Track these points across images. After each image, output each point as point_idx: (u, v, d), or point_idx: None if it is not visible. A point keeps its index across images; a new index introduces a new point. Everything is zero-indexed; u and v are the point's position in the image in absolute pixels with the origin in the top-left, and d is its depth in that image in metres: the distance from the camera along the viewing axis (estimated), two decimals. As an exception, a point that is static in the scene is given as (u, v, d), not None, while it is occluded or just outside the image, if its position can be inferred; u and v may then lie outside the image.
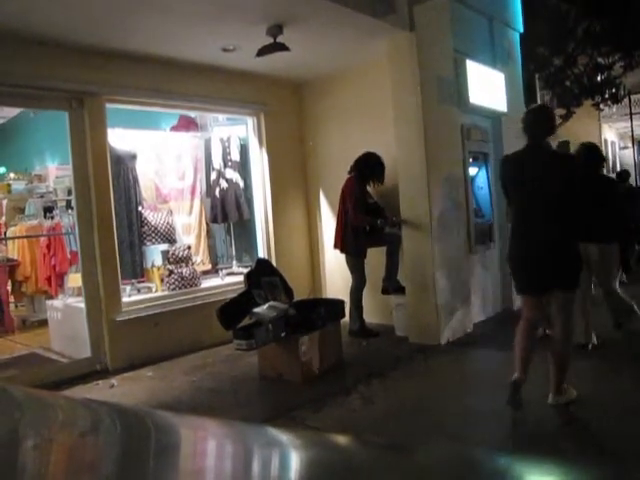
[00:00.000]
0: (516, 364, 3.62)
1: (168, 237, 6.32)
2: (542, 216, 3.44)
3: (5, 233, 7.33)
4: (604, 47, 14.10)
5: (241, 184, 6.85)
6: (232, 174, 6.80)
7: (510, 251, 3.71)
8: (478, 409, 3.86)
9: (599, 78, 15.17)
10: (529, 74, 12.88)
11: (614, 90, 15.68)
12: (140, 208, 6.09)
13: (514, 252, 3.66)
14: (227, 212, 6.76)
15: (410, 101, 5.45)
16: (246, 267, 6.39)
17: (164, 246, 6.41)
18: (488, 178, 6.60)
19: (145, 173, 6.34)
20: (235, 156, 6.83)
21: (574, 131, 21.26)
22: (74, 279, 6.08)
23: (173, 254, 6.21)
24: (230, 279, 6.60)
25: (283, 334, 4.53)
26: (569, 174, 3.47)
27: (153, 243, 6.24)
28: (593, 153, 4.85)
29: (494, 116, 6.67)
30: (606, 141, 24.85)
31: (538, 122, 3.54)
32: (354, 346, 5.53)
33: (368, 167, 5.77)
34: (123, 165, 5.89)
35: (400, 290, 5.76)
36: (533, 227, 3.49)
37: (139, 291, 5.97)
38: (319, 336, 4.74)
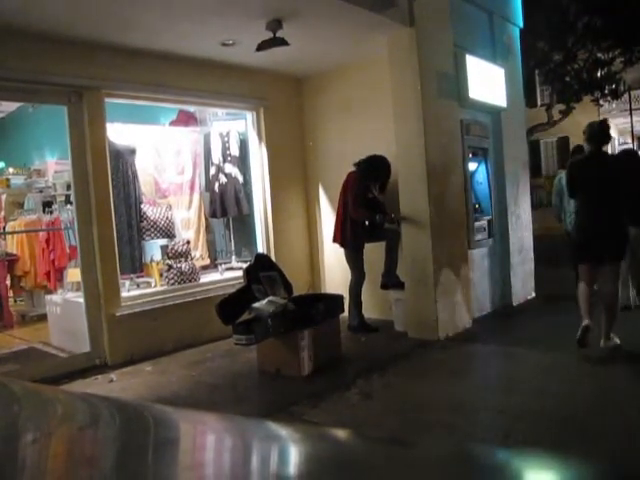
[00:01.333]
0: (583, 314, 4.62)
1: (167, 232, 6.32)
2: (602, 204, 4.48)
3: (4, 228, 7.33)
4: (604, 42, 14.06)
5: (240, 179, 6.84)
6: (231, 169, 6.79)
7: (577, 231, 4.79)
8: (477, 404, 3.87)
9: (599, 74, 15.14)
10: (529, 69, 12.86)
11: (614, 86, 15.65)
12: (139, 203, 6.09)
13: (580, 231, 4.72)
14: (226, 207, 6.75)
15: (410, 96, 5.44)
16: (245, 262, 6.39)
17: (163, 241, 6.41)
18: (487, 173, 6.59)
19: (144, 168, 6.33)
20: (234, 151, 6.82)
21: (574, 127, 21.27)
22: (73, 274, 6.08)
23: (172, 249, 6.21)
24: (229, 274, 6.60)
25: (282, 329, 4.53)
26: (620, 173, 4.57)
27: (152, 238, 6.23)
28: (634, 156, 6.08)
29: (494, 111, 6.66)
30: (605, 137, 24.78)
31: (598, 134, 4.62)
32: (353, 341, 5.54)
33: (374, 169, 5.72)
34: (122, 160, 5.88)
35: (399, 285, 5.76)
36: (595, 212, 4.51)
37: (138, 286, 5.97)
38: (318, 331, 4.74)
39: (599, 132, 4.62)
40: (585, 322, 4.57)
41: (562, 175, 6.33)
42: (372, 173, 5.72)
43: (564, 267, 8.88)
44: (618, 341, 4.62)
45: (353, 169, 5.83)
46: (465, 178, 6.09)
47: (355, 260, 5.83)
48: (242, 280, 5.24)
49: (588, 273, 4.69)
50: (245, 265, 5.72)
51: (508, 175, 6.81)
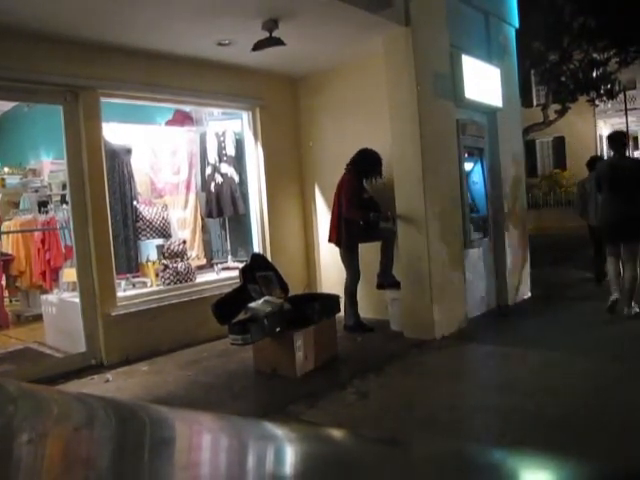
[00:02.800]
0: (612, 287, 5.87)
1: (163, 232, 6.31)
2: (622, 197, 5.62)
3: (-1, 228, 7.30)
4: (599, 43, 14.12)
5: (236, 179, 6.83)
6: (227, 169, 6.78)
7: (602, 219, 5.98)
8: (473, 404, 3.88)
9: (594, 74, 15.20)
10: (525, 69, 12.90)
11: (609, 86, 15.72)
12: (135, 203, 6.08)
13: (605, 219, 5.89)
14: (222, 207, 6.75)
15: (406, 96, 5.44)
16: (241, 262, 6.39)
17: (159, 241, 6.39)
18: (483, 173, 6.61)
19: (140, 168, 6.33)
20: (230, 151, 6.81)
21: (569, 127, 21.33)
22: (69, 274, 6.07)
23: (168, 249, 6.20)
24: (225, 274, 6.59)
25: (278, 329, 4.53)
26: (635, 173, 5.67)
27: (148, 238, 6.22)
28: None
29: (490, 111, 6.68)
30: (601, 137, 24.89)
31: (621, 141, 6.01)
32: (349, 341, 5.54)
33: (366, 164, 5.75)
34: (118, 159, 5.87)
35: (395, 285, 5.76)
36: (616, 204, 5.67)
37: (134, 286, 5.95)
38: (314, 331, 4.75)
39: (618, 141, 5.99)
40: (614, 296, 5.79)
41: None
42: (367, 167, 5.74)
43: (560, 267, 8.91)
44: (638, 309, 5.68)
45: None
46: (461, 178, 6.10)
47: (350, 260, 5.83)
48: (238, 280, 5.23)
49: (613, 251, 5.93)
50: (241, 265, 5.72)
51: (504, 175, 6.82)
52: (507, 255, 6.79)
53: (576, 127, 22.27)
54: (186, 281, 6.11)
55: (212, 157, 6.78)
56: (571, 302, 6.67)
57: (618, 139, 6.02)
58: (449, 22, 5.86)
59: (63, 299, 5.93)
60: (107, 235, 5.32)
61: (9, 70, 4.59)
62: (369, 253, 5.90)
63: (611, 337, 5.10)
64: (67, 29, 4.71)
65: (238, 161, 6.87)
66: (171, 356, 5.41)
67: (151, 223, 6.17)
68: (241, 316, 4.72)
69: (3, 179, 8.16)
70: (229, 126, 6.92)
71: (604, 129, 25.58)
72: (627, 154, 6.10)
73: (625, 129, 23.29)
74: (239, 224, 7.16)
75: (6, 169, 8.35)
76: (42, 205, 7.19)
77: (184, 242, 6.45)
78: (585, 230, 7.76)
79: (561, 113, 15.65)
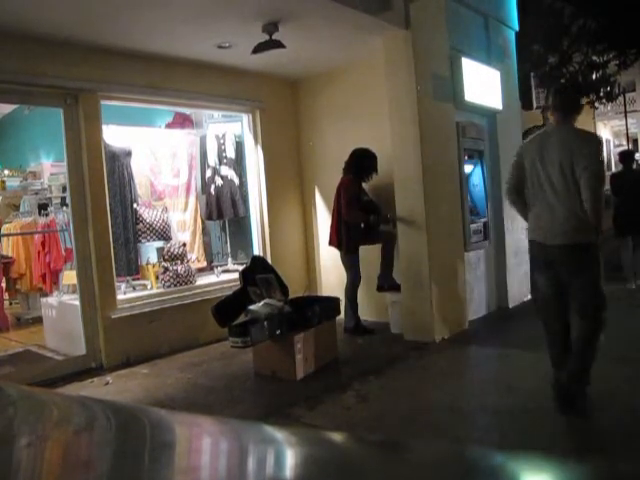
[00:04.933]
0: (627, 273, 7.29)
1: (163, 234, 6.31)
2: (632, 200, 7.09)
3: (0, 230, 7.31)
4: (599, 45, 14.15)
5: (236, 181, 6.84)
6: (227, 171, 6.79)
7: (617, 215, 7.34)
8: (473, 406, 3.87)
9: (594, 76, 15.23)
10: (524, 72, 12.90)
11: (609, 88, 15.75)
12: (135, 205, 6.08)
13: (620, 216, 7.26)
14: (222, 209, 6.75)
15: (406, 98, 5.44)
16: (241, 264, 6.38)
17: (159, 243, 6.40)
18: (483, 176, 6.60)
19: (140, 170, 6.33)
20: (230, 153, 6.82)
21: (569, 129, 21.31)
22: (69, 276, 6.06)
23: (168, 251, 6.20)
24: (225, 276, 6.59)
25: (278, 331, 4.52)
26: None
27: (148, 240, 6.22)
28: None
29: (489, 114, 6.68)
30: (601, 139, 24.91)
31: (631, 157, 7.87)
32: (349, 343, 5.54)
33: (361, 164, 5.77)
34: (118, 162, 5.88)
35: (395, 287, 5.76)
36: (629, 205, 7.13)
37: (134, 288, 5.95)
38: (314, 333, 4.74)
39: (628, 157, 7.77)
40: (630, 284, 7.17)
41: None
42: (362, 168, 5.76)
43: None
44: None
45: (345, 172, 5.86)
46: (461, 180, 6.10)
47: (351, 262, 5.82)
48: (238, 282, 5.23)
49: (627, 241, 7.29)
50: (241, 267, 5.72)
51: (504, 177, 6.81)
52: (507, 257, 6.79)
53: (576, 129, 22.24)
54: (186, 283, 6.10)
55: (212, 159, 6.78)
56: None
57: (629, 155, 7.95)
58: (449, 25, 5.87)
59: (63, 302, 5.92)
60: (107, 237, 5.32)
61: (9, 73, 4.60)
62: (369, 255, 5.90)
63: (612, 338, 5.08)
64: (67, 32, 4.72)
65: (238, 163, 6.88)
66: (171, 359, 5.41)
67: (151, 225, 6.17)
68: (241, 318, 4.72)
69: (3, 181, 8.17)
70: (229, 128, 6.93)
71: (604, 131, 25.62)
72: (634, 166, 7.95)
73: (625, 131, 23.36)
74: (239, 226, 7.16)
75: (6, 171, 8.36)
76: (42, 207, 7.19)
77: (184, 245, 6.45)
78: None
79: (561, 116, 15.63)
